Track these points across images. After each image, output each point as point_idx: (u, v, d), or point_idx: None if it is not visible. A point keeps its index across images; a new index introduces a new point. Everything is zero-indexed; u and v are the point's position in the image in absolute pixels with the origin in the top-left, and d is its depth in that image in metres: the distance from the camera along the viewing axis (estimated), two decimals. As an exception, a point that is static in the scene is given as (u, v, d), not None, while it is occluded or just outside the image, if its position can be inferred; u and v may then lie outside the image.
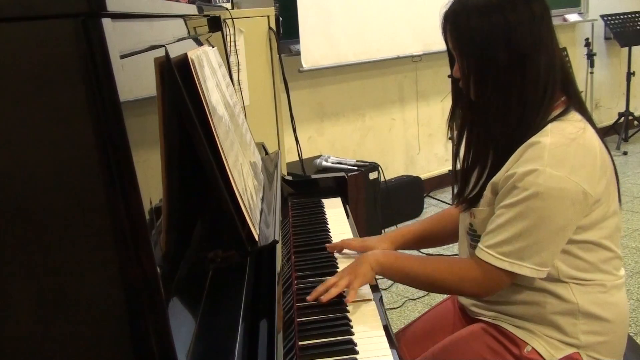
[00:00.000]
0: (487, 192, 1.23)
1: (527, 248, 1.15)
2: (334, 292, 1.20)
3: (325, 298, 1.19)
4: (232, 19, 2.45)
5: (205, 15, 1.65)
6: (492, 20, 1.16)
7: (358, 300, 1.22)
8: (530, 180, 1.13)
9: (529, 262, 1.16)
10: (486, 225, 1.22)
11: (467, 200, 1.28)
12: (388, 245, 1.47)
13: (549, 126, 1.18)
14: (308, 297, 1.21)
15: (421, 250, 3.33)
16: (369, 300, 1.23)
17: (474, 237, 1.29)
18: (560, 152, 1.14)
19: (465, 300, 1.42)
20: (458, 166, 1.37)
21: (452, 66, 1.30)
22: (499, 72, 1.18)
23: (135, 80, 0.74)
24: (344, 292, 1.23)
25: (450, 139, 1.18)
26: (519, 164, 1.16)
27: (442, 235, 1.54)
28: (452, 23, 1.22)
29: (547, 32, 1.19)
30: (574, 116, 1.21)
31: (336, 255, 1.45)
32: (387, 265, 1.28)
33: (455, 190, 1.39)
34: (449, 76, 1.32)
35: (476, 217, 1.27)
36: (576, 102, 1.24)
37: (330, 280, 1.24)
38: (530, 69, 1.17)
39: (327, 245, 1.46)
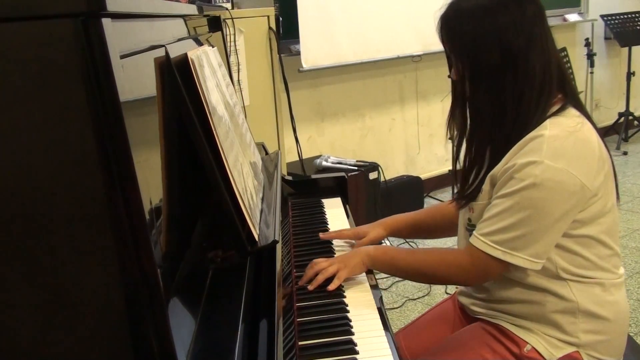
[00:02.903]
0: (486, 186, 1.24)
1: (522, 238, 1.16)
2: (320, 279, 1.25)
3: (312, 287, 1.24)
4: (232, 19, 2.45)
5: (205, 15, 1.65)
6: (484, 23, 1.19)
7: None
8: (527, 171, 1.14)
9: (522, 253, 1.16)
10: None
11: (465, 196, 1.29)
12: (381, 230, 1.51)
13: (548, 121, 1.19)
14: (299, 282, 1.26)
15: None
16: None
17: (473, 232, 1.29)
18: (558, 145, 1.15)
19: (465, 300, 1.42)
20: (458, 166, 1.38)
21: (450, 68, 1.31)
22: (493, 73, 1.20)
23: (135, 80, 0.74)
24: (342, 286, 1.26)
25: (450, 139, 1.18)
26: (518, 156, 1.17)
27: (435, 227, 1.56)
28: (446, 27, 1.25)
29: (541, 32, 1.20)
30: (572, 112, 1.22)
31: (335, 247, 1.47)
32: (379, 258, 1.30)
33: (456, 191, 1.39)
34: (448, 76, 1.33)
35: (475, 211, 1.27)
36: (573, 99, 1.25)
37: (320, 264, 1.28)
38: (524, 69, 1.19)
39: (320, 234, 1.49)
